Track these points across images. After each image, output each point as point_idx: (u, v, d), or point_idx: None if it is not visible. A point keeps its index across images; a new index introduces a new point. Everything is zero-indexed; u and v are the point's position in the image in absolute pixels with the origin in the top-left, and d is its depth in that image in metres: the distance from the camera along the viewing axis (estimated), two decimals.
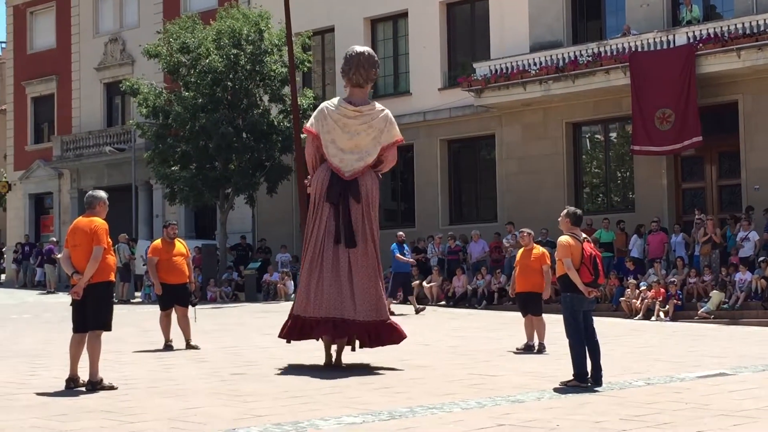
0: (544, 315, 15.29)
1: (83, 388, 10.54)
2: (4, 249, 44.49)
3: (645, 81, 26.26)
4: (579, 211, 11.51)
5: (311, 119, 13.58)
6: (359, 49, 13.86)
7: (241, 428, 8.15)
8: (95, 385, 10.53)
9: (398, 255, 23.83)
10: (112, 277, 10.96)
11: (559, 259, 11.07)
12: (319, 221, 13.07)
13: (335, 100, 13.70)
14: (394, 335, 13.08)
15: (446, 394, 10.26)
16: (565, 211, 11.41)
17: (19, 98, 45.57)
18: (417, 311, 23.33)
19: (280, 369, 12.62)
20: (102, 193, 11.16)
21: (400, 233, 25.28)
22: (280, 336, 13.41)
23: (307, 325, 12.86)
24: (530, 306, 15.15)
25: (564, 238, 11.13)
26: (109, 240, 10.80)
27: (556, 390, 10.59)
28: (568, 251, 10.97)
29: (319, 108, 13.66)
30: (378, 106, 13.78)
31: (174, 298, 15.54)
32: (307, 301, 12.86)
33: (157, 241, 16.15)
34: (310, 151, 13.48)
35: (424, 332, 17.72)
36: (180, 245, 15.82)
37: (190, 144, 31.18)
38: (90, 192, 11.24)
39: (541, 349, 14.83)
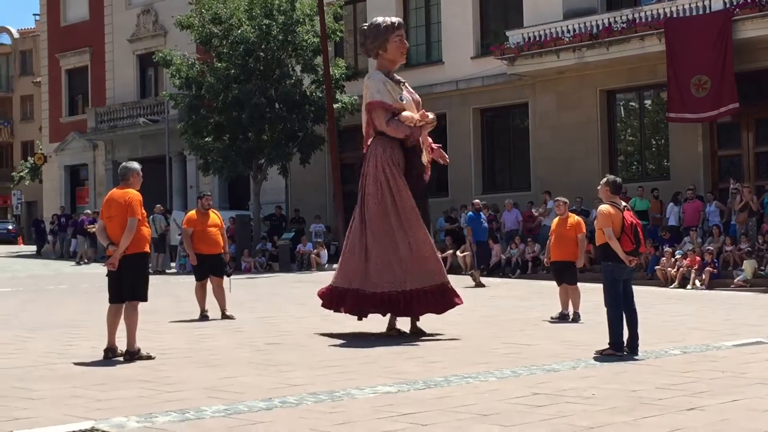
0: (578, 284, 15.24)
1: (121, 358, 10.64)
2: (44, 221, 44.79)
3: (680, 47, 25.98)
4: (619, 180, 11.42)
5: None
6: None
7: (277, 398, 8.19)
8: (133, 354, 10.62)
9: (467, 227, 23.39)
10: (147, 248, 11.01)
11: (600, 228, 10.99)
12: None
13: None
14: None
15: (481, 363, 10.26)
16: (604, 179, 11.33)
17: (54, 71, 45.83)
18: (477, 284, 22.41)
19: (315, 338, 12.67)
20: (135, 165, 11.19)
21: (476, 201, 24.19)
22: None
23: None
24: (565, 275, 15.10)
25: (604, 207, 11.05)
26: (144, 211, 10.85)
27: (592, 359, 10.56)
28: (609, 220, 10.89)
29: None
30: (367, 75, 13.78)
31: (209, 269, 15.62)
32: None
33: (192, 212, 16.21)
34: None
35: None
36: (214, 216, 15.88)
37: (223, 115, 31.25)
38: (123, 164, 11.28)
39: (576, 318, 14.79)
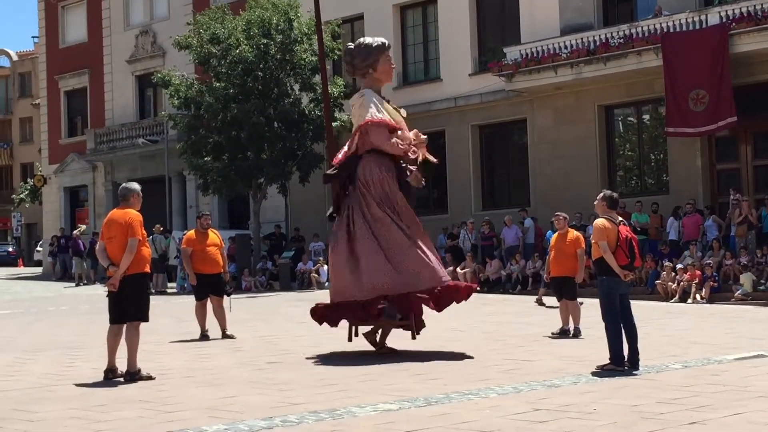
0: (579, 299, 15.23)
1: (121, 379, 10.62)
2: (40, 243, 44.83)
3: (678, 62, 26.04)
4: (615, 195, 11.48)
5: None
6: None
7: (278, 416, 8.18)
8: (133, 375, 10.60)
9: None
10: (148, 269, 11.01)
11: (595, 242, 11.03)
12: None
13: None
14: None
15: (482, 379, 10.25)
16: (601, 194, 11.39)
17: (53, 92, 45.92)
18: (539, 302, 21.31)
19: (316, 357, 12.65)
20: (135, 185, 11.21)
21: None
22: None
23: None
24: (565, 290, 15.10)
25: (600, 221, 11.09)
26: (144, 232, 10.86)
27: (592, 374, 10.55)
28: (604, 234, 10.92)
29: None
30: (358, 94, 13.78)
31: (209, 288, 15.61)
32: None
33: (191, 232, 16.22)
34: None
35: (458, 318, 17.70)
36: (213, 235, 15.88)
37: (222, 134, 31.30)
38: (123, 184, 11.30)
39: (577, 334, 14.78)
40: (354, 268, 12.76)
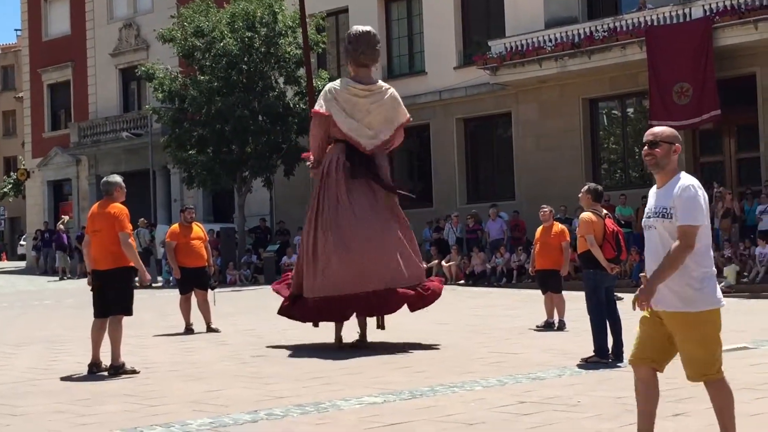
0: (563, 292, 15.26)
1: (105, 373, 10.60)
2: (23, 237, 44.70)
3: (662, 55, 26.09)
4: (600, 188, 11.48)
5: (319, 101, 13.45)
6: (362, 28, 13.83)
7: (263, 410, 8.17)
8: (117, 369, 10.58)
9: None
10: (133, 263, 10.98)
11: (582, 236, 11.03)
12: (331, 199, 12.96)
13: (339, 82, 13.70)
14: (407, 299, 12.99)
15: (467, 372, 10.26)
16: (585, 187, 11.38)
17: (36, 86, 45.70)
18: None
19: (301, 350, 12.65)
20: (117, 178, 11.16)
21: None
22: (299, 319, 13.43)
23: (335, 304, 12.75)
24: (550, 283, 15.12)
25: (586, 215, 11.10)
26: (130, 225, 10.84)
27: (577, 366, 10.57)
28: (591, 227, 10.94)
29: (326, 89, 13.56)
30: (383, 84, 13.78)
31: (193, 282, 15.58)
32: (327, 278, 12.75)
33: (175, 226, 16.20)
34: (318, 133, 13.33)
35: (443, 311, 17.71)
36: (198, 229, 15.86)
37: (207, 128, 31.22)
38: (105, 178, 11.25)
39: (561, 326, 14.81)
40: (345, 259, 12.70)
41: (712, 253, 5.99)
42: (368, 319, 13.15)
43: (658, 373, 6.24)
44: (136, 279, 11.07)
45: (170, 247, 15.72)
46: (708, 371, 6.10)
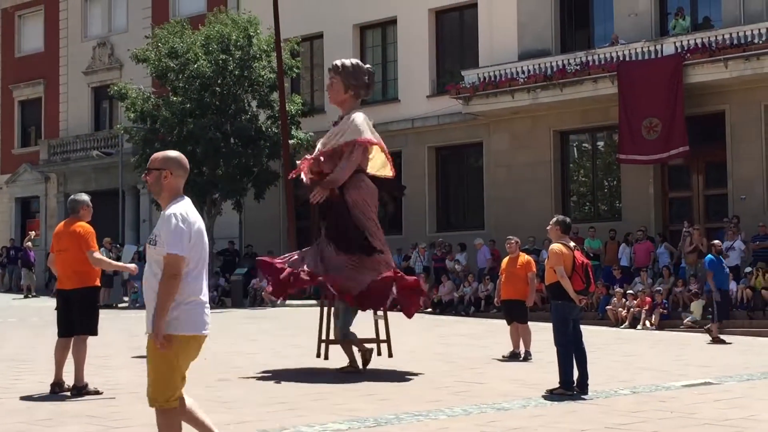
0: (529, 323, 15.31)
1: (68, 393, 10.50)
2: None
3: (632, 90, 26.34)
4: (568, 220, 11.57)
5: (367, 132, 13.41)
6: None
7: None
8: (80, 389, 10.48)
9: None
10: (98, 282, 10.93)
11: (551, 267, 11.08)
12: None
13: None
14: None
15: (432, 401, 10.25)
16: (554, 219, 11.45)
17: (6, 102, 45.44)
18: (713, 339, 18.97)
19: (266, 375, 12.59)
20: (85, 197, 11.09)
21: (717, 242, 20.05)
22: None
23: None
24: (516, 313, 15.16)
25: (556, 246, 11.15)
26: (95, 244, 10.76)
27: (542, 398, 10.59)
28: (561, 259, 10.99)
29: (365, 119, 13.57)
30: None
31: None
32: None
33: None
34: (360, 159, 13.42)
35: (410, 339, 17.70)
36: None
37: (178, 149, 31.00)
38: (72, 196, 11.17)
39: (527, 357, 14.84)
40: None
41: (203, 282, 5.97)
42: (358, 346, 13.24)
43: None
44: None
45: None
46: (157, 397, 5.98)
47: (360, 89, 13.81)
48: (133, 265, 11.37)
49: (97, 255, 10.66)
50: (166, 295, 5.73)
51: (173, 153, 6.13)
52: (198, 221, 5.96)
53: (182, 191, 6.06)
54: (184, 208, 5.92)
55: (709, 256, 19.29)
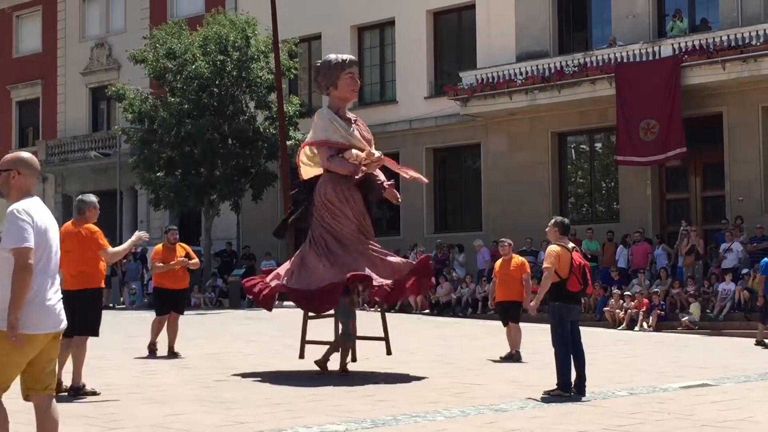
0: (524, 324, 15.32)
1: (65, 393, 10.49)
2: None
3: (630, 92, 26.36)
4: (567, 221, 11.56)
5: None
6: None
7: None
8: (78, 390, 10.48)
9: None
10: (102, 284, 10.93)
11: (545, 267, 11.10)
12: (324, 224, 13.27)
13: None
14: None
15: (430, 402, 10.25)
16: (553, 220, 11.45)
17: (4, 102, 45.42)
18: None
19: (264, 376, 12.59)
20: (92, 198, 11.03)
21: None
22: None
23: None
24: (511, 314, 15.17)
25: (554, 247, 11.16)
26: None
27: (540, 399, 10.59)
28: (557, 260, 10.99)
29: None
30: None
31: (171, 304, 15.35)
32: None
33: (159, 246, 15.92)
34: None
35: (408, 340, 17.70)
36: (181, 250, 15.52)
37: (176, 150, 31.14)
38: (80, 197, 11.13)
39: (517, 357, 14.81)
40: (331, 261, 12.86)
41: (50, 280, 6.06)
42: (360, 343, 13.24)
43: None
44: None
45: (155, 266, 15.50)
46: None
47: None
48: (143, 233, 11.28)
49: (111, 249, 10.75)
50: (20, 289, 5.84)
51: (24, 154, 6.26)
52: (43, 219, 6.05)
53: (32, 191, 6.15)
54: (27, 205, 6.03)
55: (765, 260, 18.71)
